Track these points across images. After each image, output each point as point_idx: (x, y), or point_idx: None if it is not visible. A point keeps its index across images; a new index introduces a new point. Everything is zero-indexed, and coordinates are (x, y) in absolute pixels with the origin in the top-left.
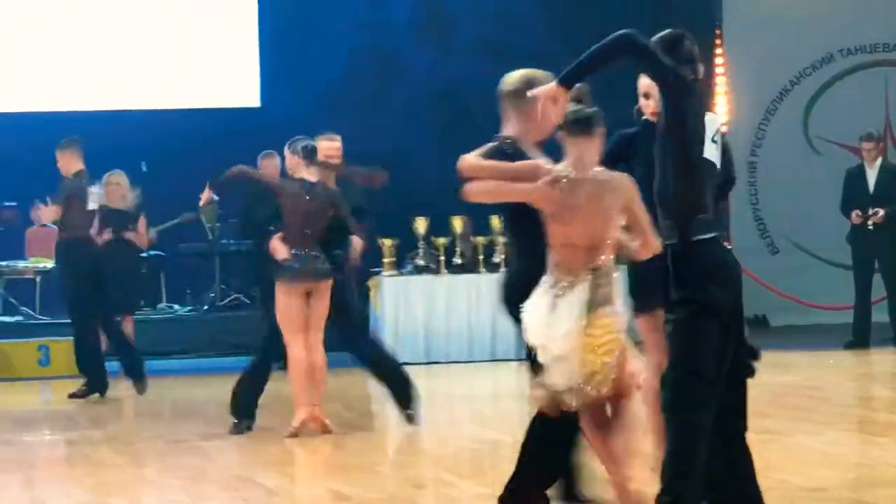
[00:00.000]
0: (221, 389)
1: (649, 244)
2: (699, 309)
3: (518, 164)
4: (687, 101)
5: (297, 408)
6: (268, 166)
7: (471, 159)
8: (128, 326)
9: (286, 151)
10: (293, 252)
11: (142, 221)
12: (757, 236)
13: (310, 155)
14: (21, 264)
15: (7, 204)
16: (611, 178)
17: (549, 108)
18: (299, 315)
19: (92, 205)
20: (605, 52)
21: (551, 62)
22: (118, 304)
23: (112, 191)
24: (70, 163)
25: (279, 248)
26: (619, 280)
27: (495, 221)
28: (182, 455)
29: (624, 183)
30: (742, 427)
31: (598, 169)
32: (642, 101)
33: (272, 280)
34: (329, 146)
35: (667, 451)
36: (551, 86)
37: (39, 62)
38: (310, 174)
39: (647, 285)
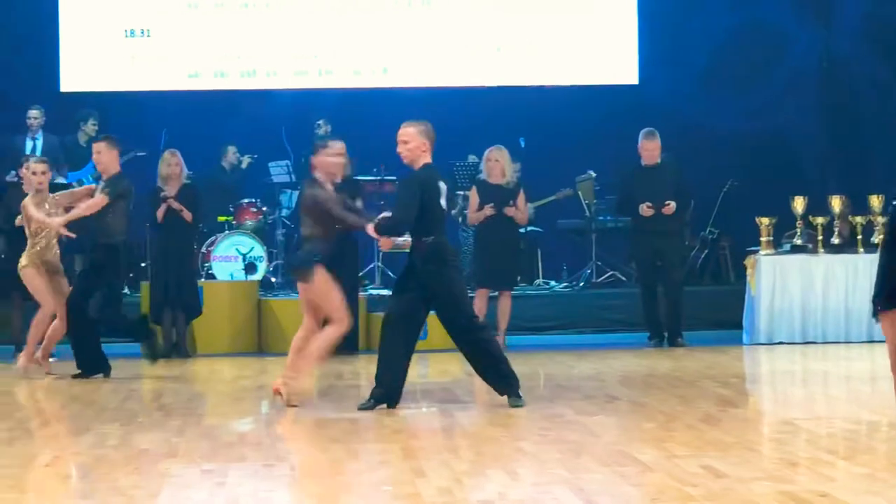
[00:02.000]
0: (598, 365)
1: None
2: None
3: None
4: None
5: None
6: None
7: None
8: (505, 302)
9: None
10: None
11: (521, 197)
12: None
13: None
14: (400, 238)
15: (390, 178)
16: None
17: None
18: None
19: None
20: None
21: None
22: (497, 279)
23: (492, 167)
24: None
25: None
26: None
27: (874, 201)
28: (561, 429)
29: None
30: None
31: None
32: None
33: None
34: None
35: None
36: None
37: (427, 38)
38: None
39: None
